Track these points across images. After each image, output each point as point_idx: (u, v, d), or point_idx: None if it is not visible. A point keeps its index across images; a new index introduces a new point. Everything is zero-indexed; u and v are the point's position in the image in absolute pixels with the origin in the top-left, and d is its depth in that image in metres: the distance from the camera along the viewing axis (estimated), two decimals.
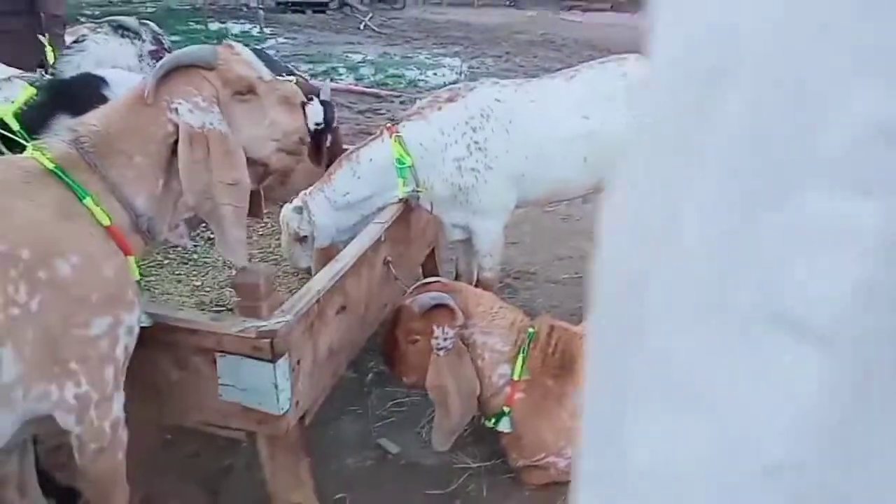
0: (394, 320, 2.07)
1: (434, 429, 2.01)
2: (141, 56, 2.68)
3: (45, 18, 3.21)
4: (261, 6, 13.73)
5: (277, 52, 9.82)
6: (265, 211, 2.82)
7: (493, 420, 2.08)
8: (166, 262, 2.61)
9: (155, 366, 1.73)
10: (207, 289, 2.49)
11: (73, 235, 1.36)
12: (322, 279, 1.90)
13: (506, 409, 2.03)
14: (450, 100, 2.46)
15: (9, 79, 1.88)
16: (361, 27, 12.90)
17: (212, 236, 2.89)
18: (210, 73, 1.55)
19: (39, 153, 1.38)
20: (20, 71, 2.23)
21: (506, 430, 2.05)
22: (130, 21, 2.70)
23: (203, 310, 2.27)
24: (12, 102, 1.57)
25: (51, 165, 1.37)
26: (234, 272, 2.50)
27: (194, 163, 1.51)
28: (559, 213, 4.31)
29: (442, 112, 2.43)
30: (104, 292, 1.39)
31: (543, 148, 2.50)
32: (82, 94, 1.54)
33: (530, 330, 2.06)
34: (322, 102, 2.71)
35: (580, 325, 2.37)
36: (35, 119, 1.52)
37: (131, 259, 1.48)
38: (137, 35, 2.66)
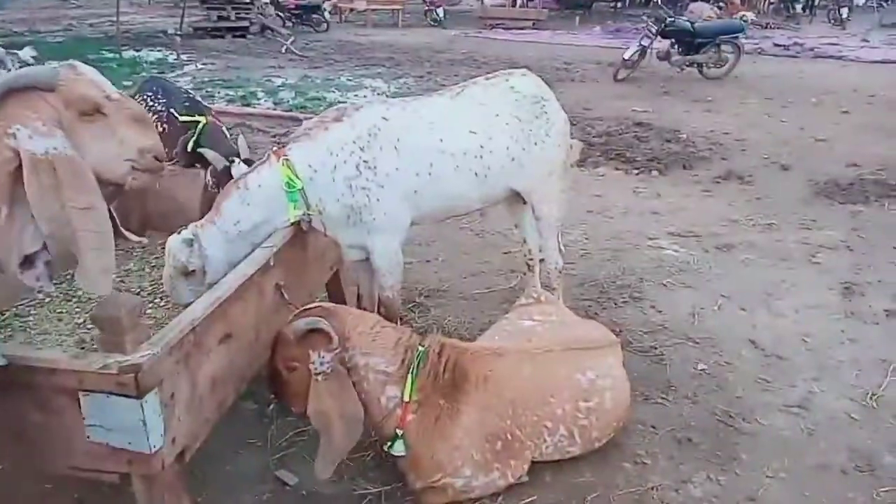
0: (272, 349, 2.02)
1: (318, 456, 1.96)
2: None
3: None
4: (178, 32, 13.46)
5: (195, 78, 9.66)
6: (158, 242, 2.72)
7: (388, 444, 2.05)
8: (47, 300, 2.48)
9: (14, 410, 1.63)
10: (90, 326, 2.38)
11: None
12: (198, 308, 1.84)
13: (398, 431, 2.00)
14: (336, 119, 2.44)
15: None
16: (283, 51, 12.81)
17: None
18: (50, 94, 1.49)
19: None
20: None
21: (400, 454, 2.02)
22: None
23: (83, 348, 2.17)
24: None
25: None
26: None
27: (42, 190, 1.45)
28: (473, 228, 4.36)
29: (329, 132, 2.41)
30: None
31: (433, 164, 2.52)
32: None
33: (420, 349, 2.04)
34: (245, 161, 2.74)
35: (476, 340, 2.39)
36: None
37: None
38: (2, 64, 2.55)
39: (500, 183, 2.78)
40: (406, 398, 1.97)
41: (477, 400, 1.98)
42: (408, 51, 13.26)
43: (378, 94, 9.08)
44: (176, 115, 3.02)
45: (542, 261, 3.16)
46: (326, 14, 16.69)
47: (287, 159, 2.37)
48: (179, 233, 2.34)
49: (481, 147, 2.63)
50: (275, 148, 2.47)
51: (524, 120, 2.76)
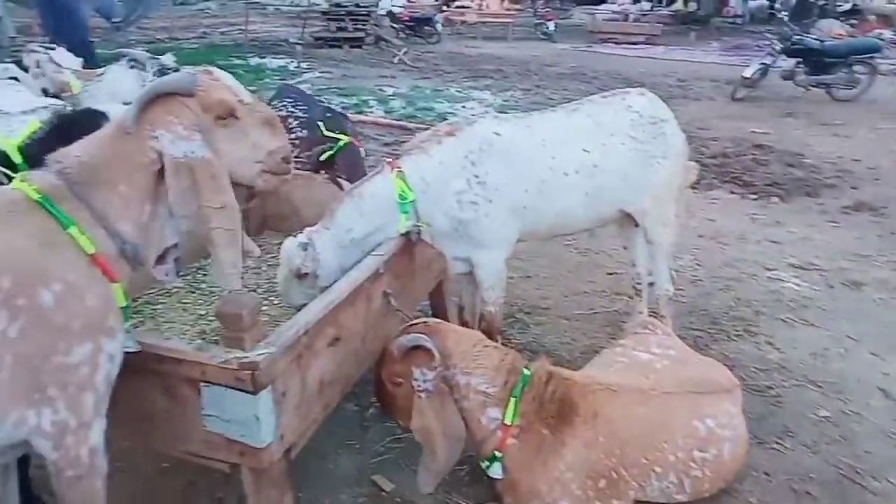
0: (378, 364, 2.05)
1: (420, 470, 1.96)
2: (143, 84, 2.80)
3: None
4: (299, 41, 14.15)
5: (313, 85, 10.10)
6: (274, 242, 2.85)
7: (486, 464, 2.02)
8: (174, 290, 2.65)
9: (144, 394, 1.75)
10: (211, 318, 2.52)
11: (56, 264, 1.39)
12: (311, 311, 1.91)
13: (497, 453, 1.97)
14: (449, 133, 2.47)
15: (35, 110, 1.97)
16: (395, 61, 13.17)
17: None
18: (189, 99, 1.58)
19: (25, 184, 1.43)
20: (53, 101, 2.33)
21: (498, 476, 1.99)
22: (139, 54, 2.84)
23: (204, 338, 2.30)
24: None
25: (36, 196, 1.42)
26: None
27: (182, 190, 1.54)
28: (578, 246, 4.27)
29: (442, 146, 2.44)
30: (86, 320, 1.42)
31: (544, 181, 2.49)
32: (83, 128, 1.59)
33: (525, 372, 2.01)
34: None
35: (583, 368, 2.31)
36: (38, 152, 1.58)
37: (117, 286, 1.51)
38: (143, 66, 2.78)
39: (612, 204, 2.71)
40: (507, 421, 1.94)
41: (584, 436, 1.91)
42: (516, 63, 13.27)
43: (485, 105, 9.14)
44: (320, 126, 3.12)
45: (650, 285, 3.04)
46: (438, 26, 17.01)
47: (400, 171, 2.41)
48: (295, 236, 2.44)
49: (594, 166, 2.58)
50: (389, 159, 2.53)
51: (640, 140, 2.67)
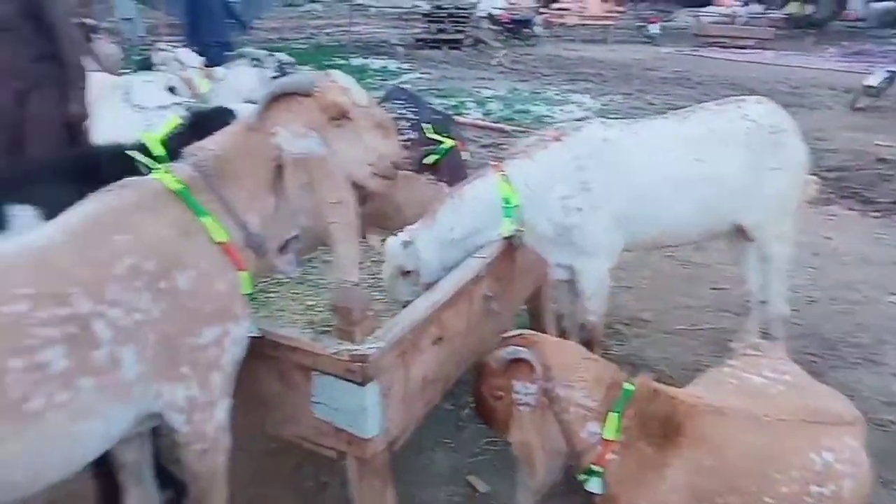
0: (477, 377, 2.06)
1: (518, 486, 1.95)
2: (264, 83, 2.93)
3: (68, 68, 3.53)
4: (400, 43, 14.45)
5: (413, 86, 10.28)
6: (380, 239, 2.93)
7: (583, 477, 1.99)
8: (285, 280, 2.78)
9: (260, 378, 1.85)
10: (319, 309, 2.63)
11: (192, 251, 1.49)
12: (417, 309, 1.95)
13: (596, 468, 1.93)
14: (556, 139, 2.44)
15: (170, 105, 2.12)
16: (493, 63, 13.19)
17: (327, 259, 3.08)
18: (308, 99, 1.65)
19: (166, 175, 1.54)
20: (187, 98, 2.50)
21: (595, 490, 1.95)
22: (260, 52, 3.01)
23: (312, 328, 2.40)
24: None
25: (175, 186, 1.52)
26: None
27: (299, 185, 1.62)
28: (680, 258, 4.12)
29: (548, 151, 2.42)
30: (216, 304, 1.51)
31: (652, 190, 2.42)
32: (215, 124, 1.70)
33: (627, 387, 1.96)
34: None
35: (687, 386, 2.22)
36: (177, 146, 1.71)
37: (243, 274, 1.60)
38: (263, 64, 2.93)
39: (725, 216, 2.60)
40: (608, 436, 1.90)
41: (690, 459, 1.83)
42: (616, 67, 12.98)
43: (584, 109, 8.99)
44: (428, 128, 3.19)
45: (762, 302, 2.89)
46: (537, 28, 16.89)
47: (505, 175, 2.42)
48: (398, 235, 2.49)
49: (706, 176, 2.48)
50: (493, 162, 2.54)
51: (757, 151, 2.55)
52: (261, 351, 1.77)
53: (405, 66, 12.56)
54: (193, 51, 5.44)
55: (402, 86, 5.46)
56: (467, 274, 2.21)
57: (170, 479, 2.01)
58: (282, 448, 2.31)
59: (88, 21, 8.10)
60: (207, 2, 6.53)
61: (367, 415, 1.74)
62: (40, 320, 1.23)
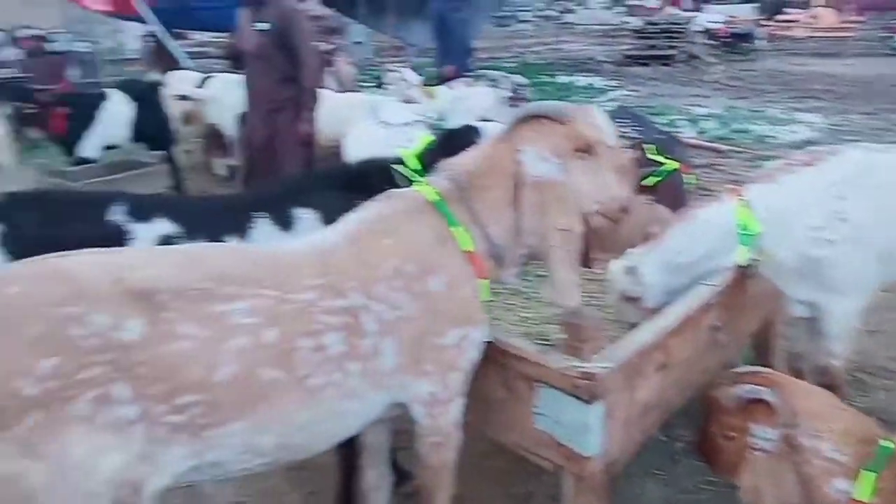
0: (707, 412, 1.95)
1: None
2: (499, 102, 3.06)
3: (304, 91, 3.82)
4: (607, 59, 14.24)
5: (619, 103, 10.08)
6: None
7: None
8: (501, 291, 2.88)
9: (486, 382, 1.93)
10: (533, 322, 2.69)
11: (444, 257, 1.61)
12: (645, 333, 1.91)
13: None
14: (808, 164, 2.25)
15: (412, 123, 2.34)
16: (707, 80, 12.47)
17: (541, 273, 3.13)
18: (559, 126, 1.69)
19: (426, 187, 1.69)
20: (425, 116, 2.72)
21: None
22: (495, 73, 3.16)
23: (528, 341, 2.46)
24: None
25: (433, 197, 1.66)
26: (559, 310, 2.65)
27: (531, 205, 1.67)
28: None
29: (798, 176, 2.24)
30: (460, 309, 1.62)
31: None
32: (463, 141, 1.82)
33: (885, 444, 1.74)
34: None
35: None
36: (429, 161, 1.86)
37: (484, 282, 1.69)
38: (498, 84, 3.06)
39: None
40: (860, 497, 1.70)
41: None
42: (854, 83, 11.57)
43: (814, 129, 8.14)
44: (649, 148, 3.14)
45: None
46: (759, 42, 15.66)
47: (744, 200, 2.28)
48: (621, 260, 2.45)
49: None
50: (732, 186, 2.40)
51: None
52: (489, 356, 1.85)
53: (612, 83, 12.34)
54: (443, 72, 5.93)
55: (600, 102, 5.40)
56: (696, 301, 2.12)
57: (393, 466, 2.18)
58: (494, 451, 2.38)
59: (330, 45, 9.10)
60: (456, 28, 7.04)
61: (590, 433, 1.74)
62: (323, 309, 1.41)
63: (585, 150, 1.71)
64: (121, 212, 1.63)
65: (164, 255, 1.36)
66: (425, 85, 7.12)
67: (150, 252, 1.41)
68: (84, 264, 1.23)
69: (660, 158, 3.15)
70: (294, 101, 3.86)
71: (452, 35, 6.89)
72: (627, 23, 18.54)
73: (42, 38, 11.31)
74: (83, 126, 4.87)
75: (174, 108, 5.71)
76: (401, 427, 1.90)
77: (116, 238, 1.58)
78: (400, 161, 1.93)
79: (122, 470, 1.18)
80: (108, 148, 5.34)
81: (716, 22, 15.90)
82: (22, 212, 1.52)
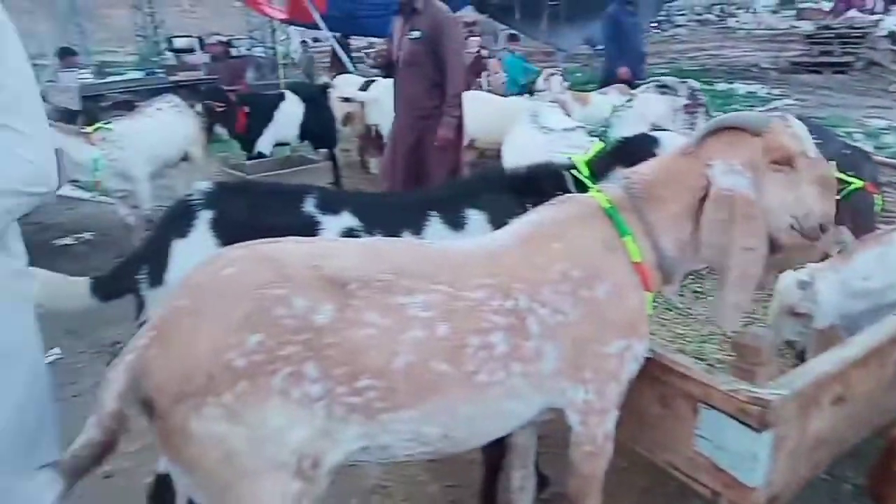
0: (890, 451, 1.76)
1: None
2: (675, 110, 2.94)
3: (449, 98, 3.89)
4: (773, 66, 13.27)
5: (785, 112, 9.36)
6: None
7: None
8: (655, 306, 2.78)
9: (642, 396, 1.88)
10: (688, 339, 2.58)
11: (612, 265, 1.60)
12: (825, 362, 1.77)
13: None
14: None
15: (574, 129, 2.32)
16: (890, 89, 11.22)
17: (696, 289, 2.99)
18: (754, 138, 1.61)
19: (599, 194, 1.67)
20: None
21: None
22: (670, 79, 3.04)
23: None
24: (585, 152, 1.96)
25: (606, 205, 1.64)
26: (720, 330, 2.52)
27: (716, 221, 1.59)
28: None
29: None
30: (625, 319, 1.60)
31: None
32: (638, 151, 1.79)
33: None
34: None
35: None
36: (600, 168, 1.85)
37: (649, 294, 1.65)
38: (674, 91, 2.95)
39: None
40: None
41: None
42: None
43: None
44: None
45: None
46: None
47: None
48: (796, 271, 2.30)
49: None
50: None
51: None
52: (648, 371, 1.80)
53: (776, 91, 11.47)
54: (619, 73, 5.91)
55: (766, 111, 5.03)
56: (886, 332, 1.93)
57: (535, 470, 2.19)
58: (633, 467, 2.32)
59: (483, 51, 9.29)
60: (631, 33, 6.96)
61: (757, 462, 1.64)
62: (492, 308, 1.45)
63: (784, 162, 1.61)
64: (313, 204, 1.78)
65: (353, 247, 1.46)
66: (573, 91, 7.07)
67: (341, 243, 1.53)
68: (287, 251, 1.36)
69: (843, 176, 2.89)
70: (438, 108, 3.98)
71: (628, 40, 6.76)
72: (797, 27, 17.15)
73: (227, 44, 12.52)
74: (262, 124, 5.35)
75: (338, 110, 6.11)
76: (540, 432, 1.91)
77: (309, 228, 1.73)
78: (571, 167, 1.93)
79: (306, 443, 1.28)
80: (278, 145, 5.82)
81: None
82: (229, 200, 1.71)
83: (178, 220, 1.71)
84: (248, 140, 5.38)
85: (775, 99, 10.89)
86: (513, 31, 11.47)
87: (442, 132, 3.98)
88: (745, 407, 1.61)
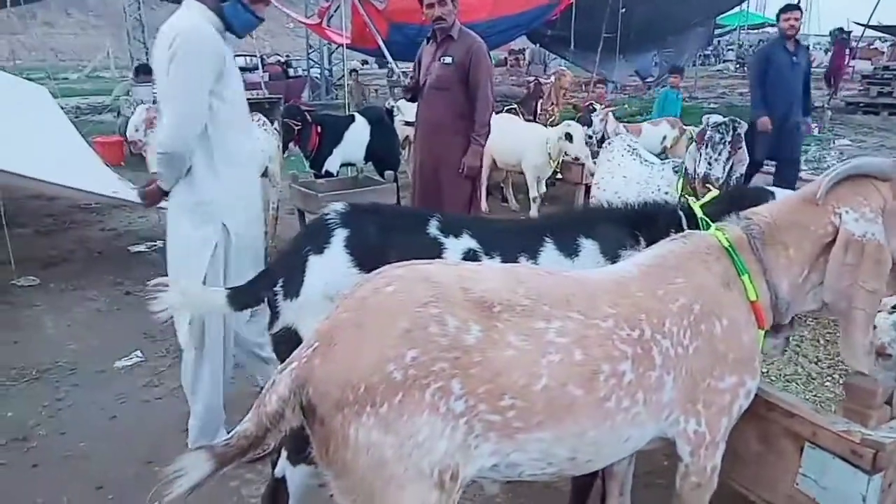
0: None
1: None
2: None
3: (476, 126, 3.99)
4: (827, 106, 13.12)
5: (841, 154, 9.27)
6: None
7: None
8: None
9: (740, 431, 1.90)
10: (772, 378, 2.59)
11: (729, 302, 1.64)
12: None
13: None
14: None
15: (667, 162, 2.34)
16: None
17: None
18: (883, 184, 1.65)
19: (720, 233, 1.73)
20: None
21: None
22: (718, 118, 3.17)
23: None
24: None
25: (725, 243, 1.70)
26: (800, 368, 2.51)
27: (844, 265, 1.63)
28: None
29: None
30: (739, 355, 1.64)
31: None
32: (754, 202, 1.83)
33: None
34: None
35: None
36: (714, 212, 1.90)
37: (762, 332, 1.69)
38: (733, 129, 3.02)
39: None
40: None
41: None
42: None
43: None
44: None
45: None
46: None
47: None
48: (892, 312, 2.30)
49: None
50: None
51: None
52: (749, 407, 1.83)
53: (832, 132, 11.34)
54: None
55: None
56: None
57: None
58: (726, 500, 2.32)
59: (540, 79, 9.41)
60: (787, 75, 5.74)
61: None
62: (621, 337, 1.51)
63: None
64: (436, 227, 1.87)
65: (496, 272, 1.54)
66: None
67: (486, 268, 1.60)
68: (440, 273, 1.44)
69: None
70: (464, 135, 4.01)
71: (781, 83, 5.61)
72: (852, 66, 16.92)
73: (285, 64, 12.92)
74: (333, 144, 5.51)
75: (401, 133, 6.26)
76: None
77: (433, 249, 1.81)
78: (686, 208, 2.00)
79: (448, 456, 1.35)
80: (343, 165, 5.98)
81: None
82: (362, 220, 1.81)
83: (315, 237, 1.81)
84: (317, 159, 5.55)
85: (833, 139, 10.77)
86: (676, 65, 11.28)
87: (470, 161, 4.00)
88: (856, 448, 1.64)
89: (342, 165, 5.94)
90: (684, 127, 7.15)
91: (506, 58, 14.05)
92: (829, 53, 16.05)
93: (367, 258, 1.73)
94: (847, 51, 14.52)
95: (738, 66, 24.12)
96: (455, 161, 4.02)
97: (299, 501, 1.94)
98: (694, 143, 3.48)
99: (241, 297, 1.85)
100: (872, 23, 14.39)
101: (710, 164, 3.36)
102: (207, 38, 2.36)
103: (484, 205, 6.49)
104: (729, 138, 3.40)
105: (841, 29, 16.31)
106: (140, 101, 8.30)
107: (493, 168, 6.50)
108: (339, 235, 1.80)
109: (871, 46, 19.17)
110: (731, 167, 3.40)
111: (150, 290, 1.86)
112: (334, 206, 1.84)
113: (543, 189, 6.53)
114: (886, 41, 20.13)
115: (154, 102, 8.00)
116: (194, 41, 2.32)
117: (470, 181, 4.10)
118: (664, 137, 7.13)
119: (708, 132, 3.42)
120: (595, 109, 7.23)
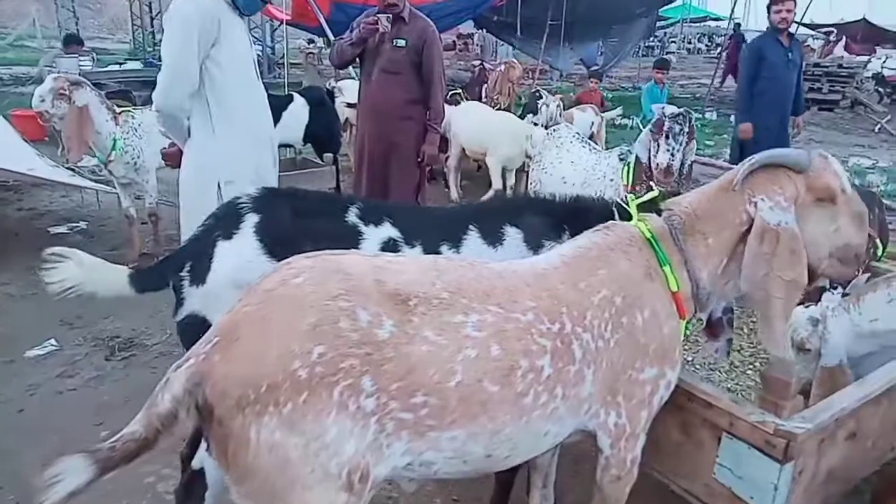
0: (885, 489, 1.83)
1: None
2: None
3: (431, 112, 3.94)
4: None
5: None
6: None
7: None
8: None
9: (662, 422, 1.92)
10: (697, 366, 2.63)
11: (651, 293, 1.64)
12: (848, 398, 1.83)
13: None
14: None
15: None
16: (876, 130, 11.56)
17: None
18: (797, 175, 1.67)
19: (642, 223, 1.72)
20: None
21: None
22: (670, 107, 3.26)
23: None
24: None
25: (647, 234, 1.69)
26: (717, 357, 2.57)
27: (759, 255, 1.64)
28: None
29: None
30: (660, 346, 1.63)
31: None
32: None
33: None
34: None
35: None
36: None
37: (683, 323, 1.70)
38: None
39: None
40: None
41: None
42: None
43: None
44: None
45: None
46: None
47: None
48: (808, 308, 2.36)
49: None
50: None
51: None
52: (671, 398, 1.84)
53: None
54: None
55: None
56: None
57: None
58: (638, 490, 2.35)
59: (486, 64, 9.36)
60: (780, 73, 5.06)
61: (777, 494, 1.69)
62: (541, 331, 1.47)
63: (826, 198, 1.68)
64: (356, 214, 1.79)
65: (414, 263, 1.48)
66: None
67: (403, 258, 1.54)
68: (353, 264, 1.37)
69: None
70: (418, 120, 3.93)
71: (774, 82, 4.96)
72: None
73: None
74: None
75: (342, 116, 6.10)
76: None
77: (351, 238, 1.73)
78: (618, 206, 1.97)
79: (357, 456, 1.28)
80: (282, 146, 5.79)
81: (892, 68, 14.71)
82: (276, 206, 1.72)
83: (225, 221, 1.71)
84: None
85: None
86: (663, 58, 11.31)
87: (428, 149, 3.92)
88: (770, 438, 1.66)
89: (280, 147, 5.75)
90: (601, 115, 7.33)
91: (454, 41, 13.94)
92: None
93: (278, 246, 1.65)
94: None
95: (680, 59, 24.70)
96: (407, 146, 3.91)
97: (218, 494, 1.85)
98: (649, 132, 3.48)
99: (144, 279, 1.73)
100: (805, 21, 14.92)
101: (672, 154, 3.38)
102: (199, 5, 2.52)
103: (454, 193, 6.41)
104: (686, 128, 3.45)
105: (739, 24, 16.82)
106: (64, 72, 7.82)
107: (461, 157, 6.38)
108: (250, 221, 1.70)
109: (805, 44, 19.87)
110: (685, 157, 3.44)
111: (46, 259, 1.70)
112: (247, 190, 1.74)
113: (512, 181, 6.27)
114: (818, 39, 20.94)
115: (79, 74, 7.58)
116: (183, 9, 2.51)
117: (419, 168, 4.02)
118: (592, 123, 7.24)
119: (667, 123, 3.42)
120: (542, 97, 7.23)
